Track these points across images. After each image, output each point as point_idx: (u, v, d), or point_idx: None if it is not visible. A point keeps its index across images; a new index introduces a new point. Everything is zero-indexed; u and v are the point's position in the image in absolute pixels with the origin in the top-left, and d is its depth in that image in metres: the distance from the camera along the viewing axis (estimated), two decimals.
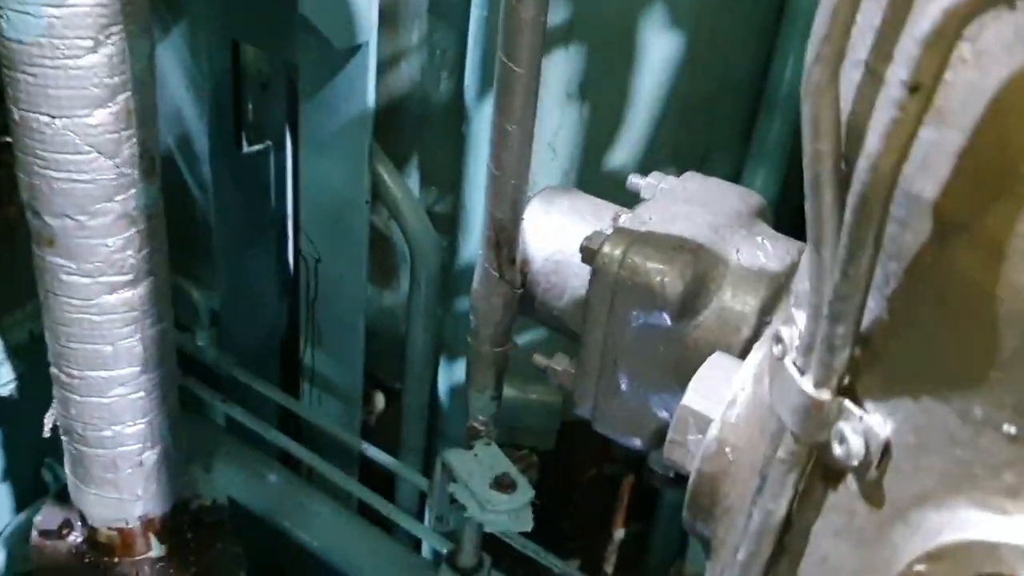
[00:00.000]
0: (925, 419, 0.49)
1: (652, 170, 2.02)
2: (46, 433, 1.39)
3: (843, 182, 0.49)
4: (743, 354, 1.05)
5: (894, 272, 0.48)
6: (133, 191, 1.14)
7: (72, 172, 1.10)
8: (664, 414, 1.14)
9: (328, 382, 2.03)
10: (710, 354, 1.07)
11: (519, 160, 1.07)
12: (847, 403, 0.52)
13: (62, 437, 1.34)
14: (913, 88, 0.41)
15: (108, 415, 1.28)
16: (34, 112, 1.06)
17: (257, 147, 2.04)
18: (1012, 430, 0.45)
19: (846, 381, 0.53)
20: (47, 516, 1.46)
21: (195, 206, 2.00)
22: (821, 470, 0.56)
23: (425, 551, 2.09)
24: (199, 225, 2.02)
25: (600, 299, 1.11)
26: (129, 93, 1.09)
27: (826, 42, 0.46)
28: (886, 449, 0.51)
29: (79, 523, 1.43)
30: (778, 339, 0.59)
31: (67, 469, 1.38)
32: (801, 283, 0.61)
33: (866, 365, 0.52)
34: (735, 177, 2.10)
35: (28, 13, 0.99)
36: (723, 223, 1.12)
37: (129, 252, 1.18)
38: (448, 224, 2.04)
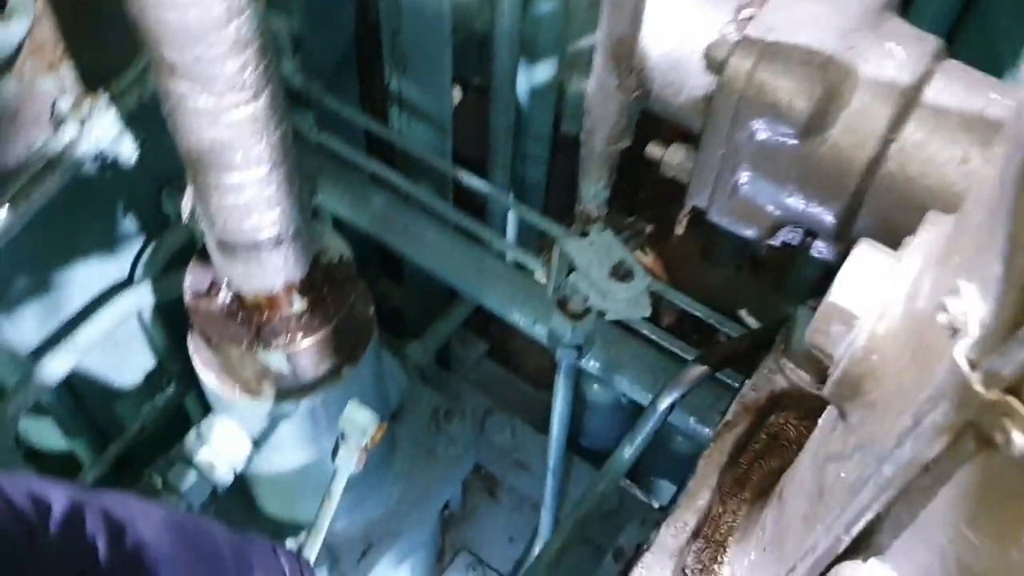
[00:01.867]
0: None
1: None
2: (185, 220, 1.49)
3: None
4: (868, 171, 1.09)
5: None
6: (244, 15, 1.12)
7: (182, 8, 1.08)
8: (781, 213, 1.20)
9: (416, 108, 2.06)
10: (833, 169, 1.11)
11: None
12: (1014, 403, 0.59)
13: (203, 225, 1.44)
14: None
15: (245, 210, 1.37)
16: None
17: None
18: None
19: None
20: (195, 278, 1.62)
21: None
22: (975, 432, 0.64)
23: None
24: None
25: (724, 111, 1.12)
26: None
27: None
28: None
29: (225, 282, 1.59)
30: (942, 308, 0.64)
31: (211, 249, 1.50)
32: (966, 254, 0.65)
33: None
34: None
35: None
36: (851, 26, 1.09)
37: (248, 72, 1.18)
38: None
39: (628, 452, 1.68)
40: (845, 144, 1.08)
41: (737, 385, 1.77)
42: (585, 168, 1.30)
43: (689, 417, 1.79)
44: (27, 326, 1.95)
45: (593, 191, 1.30)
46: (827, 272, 2.78)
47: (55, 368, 1.91)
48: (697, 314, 1.82)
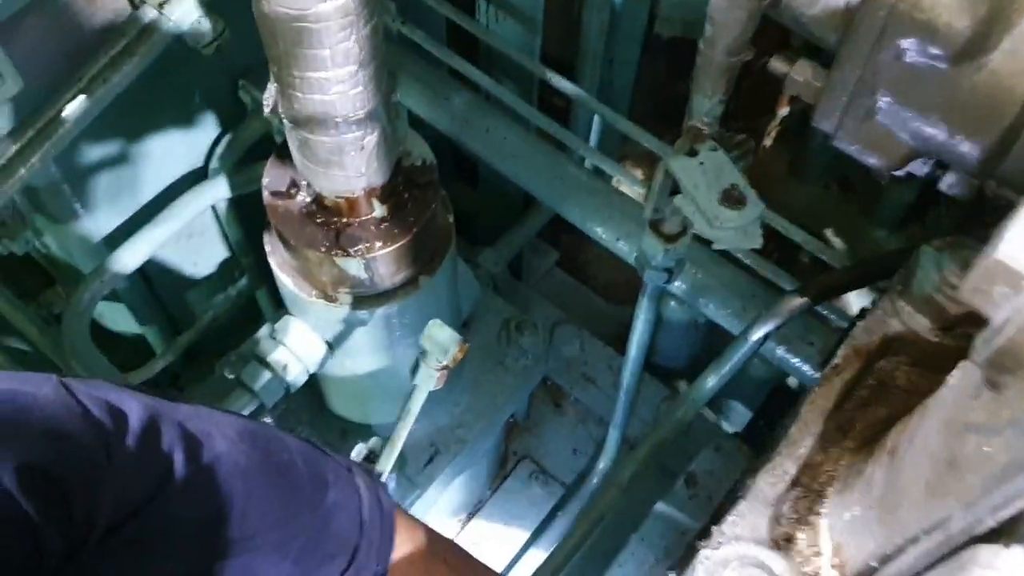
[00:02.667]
0: None
1: None
2: (267, 113, 1.42)
3: None
4: None
5: None
6: None
7: None
8: (917, 144, 1.09)
9: (505, 1, 1.93)
10: (989, 98, 0.99)
11: None
12: None
13: (285, 123, 1.37)
14: None
15: (330, 109, 1.29)
16: None
17: None
18: None
19: None
20: (274, 177, 1.55)
21: None
22: None
23: None
24: None
25: (867, 27, 1.00)
26: None
27: None
28: None
29: (305, 183, 1.53)
30: None
31: (292, 148, 1.43)
32: None
33: None
34: None
35: None
36: None
37: None
38: None
39: (712, 382, 1.61)
40: (1006, 71, 0.95)
41: (832, 316, 1.68)
42: (700, 80, 1.19)
43: (777, 347, 1.71)
44: (102, 213, 1.93)
45: (707, 106, 1.19)
46: (921, 197, 2.62)
47: (130, 258, 1.89)
48: (794, 239, 1.71)
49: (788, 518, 1.09)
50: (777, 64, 1.15)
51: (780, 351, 1.70)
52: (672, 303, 2.39)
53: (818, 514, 1.10)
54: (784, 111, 3.00)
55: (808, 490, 1.11)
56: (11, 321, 2.11)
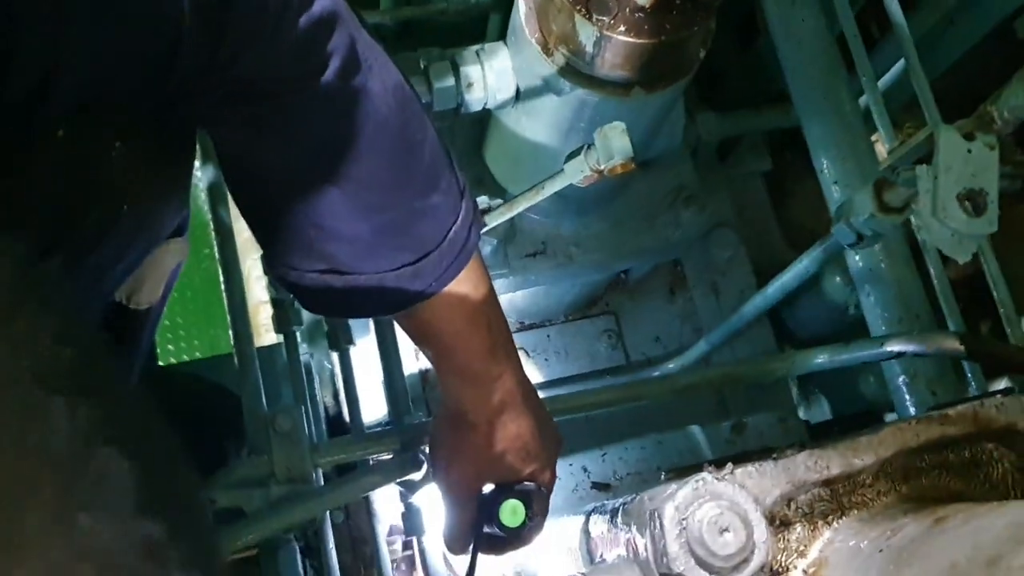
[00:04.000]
0: None
1: None
2: None
3: None
4: None
5: None
6: None
7: None
8: None
9: None
10: None
11: None
12: None
13: None
14: None
15: None
16: None
17: None
18: None
19: None
20: None
21: None
22: None
23: None
24: None
25: None
26: None
27: None
28: None
29: None
30: None
31: None
32: None
33: None
34: None
35: None
36: None
37: None
38: None
39: (822, 359, 1.52)
40: None
41: (972, 382, 1.54)
42: None
43: (901, 374, 1.58)
44: None
45: (1019, 100, 1.04)
46: None
47: None
48: (1000, 310, 1.50)
49: (799, 508, 1.04)
50: None
51: (900, 380, 1.58)
52: (836, 279, 2.24)
53: (828, 524, 1.03)
54: None
55: (834, 498, 1.04)
56: None
